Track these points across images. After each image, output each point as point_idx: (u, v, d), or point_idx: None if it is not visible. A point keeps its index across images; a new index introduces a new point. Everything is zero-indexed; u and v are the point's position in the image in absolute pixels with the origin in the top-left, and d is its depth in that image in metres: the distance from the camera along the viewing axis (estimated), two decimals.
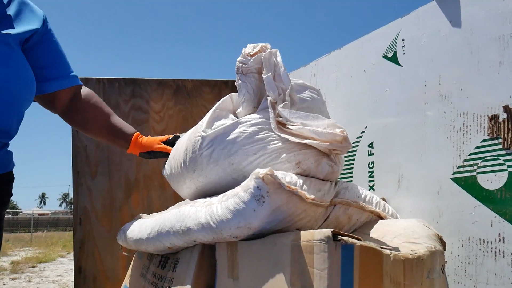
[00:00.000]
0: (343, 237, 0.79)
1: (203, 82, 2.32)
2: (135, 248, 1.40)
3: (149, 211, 2.15)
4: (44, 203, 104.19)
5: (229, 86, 2.34)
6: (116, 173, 2.14)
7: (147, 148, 1.45)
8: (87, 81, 2.15)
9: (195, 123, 2.24)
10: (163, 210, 2.15)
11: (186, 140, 1.32)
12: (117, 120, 1.45)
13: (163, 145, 1.45)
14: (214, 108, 1.26)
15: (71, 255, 12.27)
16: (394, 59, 1.41)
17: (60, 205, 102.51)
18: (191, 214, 1.09)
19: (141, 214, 1.54)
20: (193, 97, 2.29)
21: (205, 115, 2.28)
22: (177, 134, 1.49)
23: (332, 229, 0.79)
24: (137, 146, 1.46)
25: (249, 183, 0.94)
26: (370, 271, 0.80)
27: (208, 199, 1.13)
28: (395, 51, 1.41)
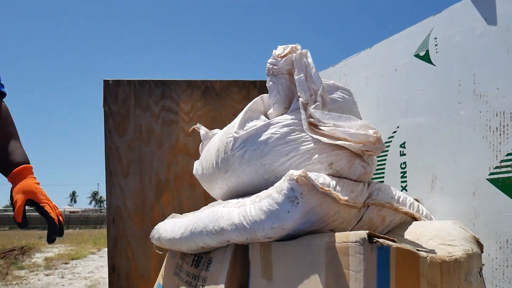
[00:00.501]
0: (378, 239, 0.78)
1: (231, 82, 2.34)
2: (169, 247, 1.43)
3: (179, 211, 2.19)
4: (75, 201, 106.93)
5: (257, 86, 2.35)
6: (147, 173, 2.18)
7: (13, 189, 1.23)
8: (118, 83, 2.21)
9: (223, 123, 2.27)
10: (193, 210, 2.18)
11: (218, 141, 1.33)
12: (14, 145, 1.27)
13: (18, 204, 1.21)
14: (245, 109, 1.28)
15: (102, 252, 12.57)
16: (426, 58, 1.39)
17: (90, 203, 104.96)
18: (224, 214, 1.11)
19: (173, 214, 1.57)
20: (221, 97, 2.31)
21: (233, 115, 2.31)
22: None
23: (367, 231, 0.79)
24: (13, 180, 1.24)
25: (282, 185, 0.95)
26: (406, 273, 0.79)
27: (240, 199, 1.14)
28: (428, 50, 1.39)
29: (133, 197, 2.16)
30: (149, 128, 2.21)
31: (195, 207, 2.26)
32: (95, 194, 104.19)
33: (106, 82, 2.20)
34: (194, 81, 2.30)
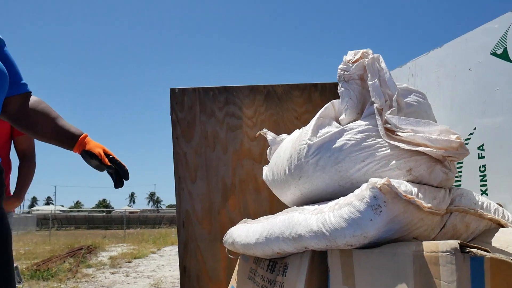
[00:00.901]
0: (471, 249, 0.77)
1: (292, 86, 2.35)
2: (243, 252, 1.47)
3: (245, 214, 2.23)
4: (134, 202, 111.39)
5: (318, 89, 2.35)
6: (214, 177, 2.24)
7: (89, 148, 1.44)
8: (184, 91, 2.28)
9: (286, 127, 2.30)
10: (258, 213, 2.22)
11: (290, 147, 1.35)
12: (64, 122, 1.47)
13: (103, 154, 1.43)
14: (317, 116, 1.28)
15: (161, 252, 13.01)
16: (504, 56, 1.33)
17: (148, 204, 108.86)
18: (301, 221, 1.12)
19: (245, 219, 1.60)
20: (283, 101, 2.33)
21: (295, 118, 2.33)
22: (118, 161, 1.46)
23: (459, 241, 0.78)
24: (82, 145, 1.45)
25: (364, 193, 0.95)
26: (502, 284, 0.77)
27: (317, 206, 1.15)
28: (505, 48, 1.33)
29: (201, 201, 2.23)
30: (214, 133, 2.27)
31: (260, 210, 2.31)
32: (152, 194, 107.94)
33: (172, 90, 2.28)
34: (256, 86, 2.33)
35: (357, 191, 1.00)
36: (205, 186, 2.24)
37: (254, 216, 2.00)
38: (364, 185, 0.97)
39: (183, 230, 2.23)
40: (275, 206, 2.23)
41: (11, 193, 2.47)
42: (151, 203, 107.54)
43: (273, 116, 2.32)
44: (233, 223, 1.78)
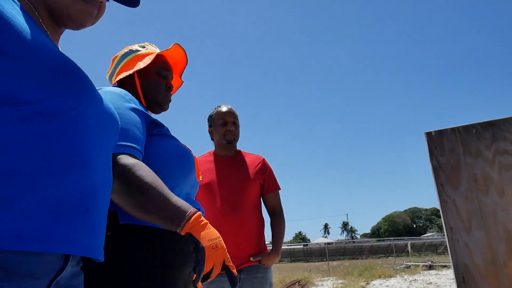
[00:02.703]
0: None
1: None
2: None
3: None
4: (328, 233, 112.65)
5: None
6: (493, 225, 1.98)
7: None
8: (441, 133, 2.12)
9: None
10: None
11: None
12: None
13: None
14: None
15: (371, 286, 12.58)
16: None
17: (341, 233, 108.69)
18: None
19: None
20: None
21: None
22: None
23: None
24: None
25: None
26: None
27: None
28: None
29: (481, 254, 1.98)
30: (485, 175, 2.03)
31: None
32: (345, 224, 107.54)
33: (428, 134, 2.14)
34: None
35: None
36: (483, 235, 1.99)
37: None
38: None
39: (464, 286, 2.00)
40: None
41: (267, 249, 2.62)
42: (345, 233, 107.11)
43: None
44: None
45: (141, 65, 1.47)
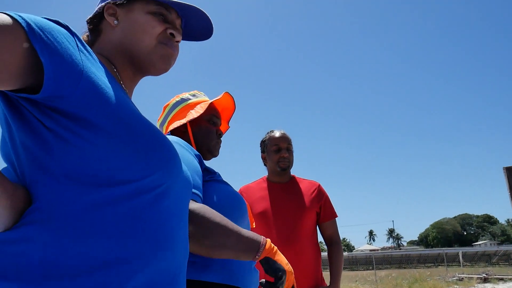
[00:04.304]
0: None
1: None
2: None
3: None
4: (373, 240, 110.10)
5: None
6: None
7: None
8: None
9: None
10: None
11: None
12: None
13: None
14: None
15: None
16: None
17: (387, 240, 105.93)
18: None
19: None
20: None
21: None
22: None
23: None
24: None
25: None
26: None
27: None
28: None
29: None
30: None
31: None
32: (391, 231, 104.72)
33: (508, 169, 1.95)
34: None
35: None
36: None
37: None
38: None
39: None
40: None
41: (325, 282, 2.48)
42: (390, 240, 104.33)
43: None
44: None
45: (193, 114, 1.50)
